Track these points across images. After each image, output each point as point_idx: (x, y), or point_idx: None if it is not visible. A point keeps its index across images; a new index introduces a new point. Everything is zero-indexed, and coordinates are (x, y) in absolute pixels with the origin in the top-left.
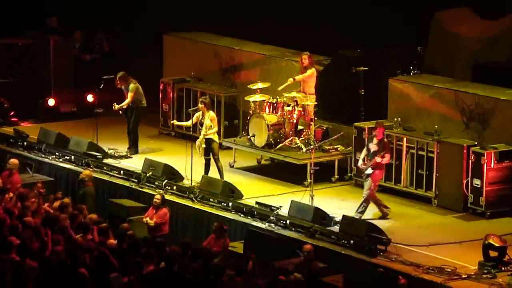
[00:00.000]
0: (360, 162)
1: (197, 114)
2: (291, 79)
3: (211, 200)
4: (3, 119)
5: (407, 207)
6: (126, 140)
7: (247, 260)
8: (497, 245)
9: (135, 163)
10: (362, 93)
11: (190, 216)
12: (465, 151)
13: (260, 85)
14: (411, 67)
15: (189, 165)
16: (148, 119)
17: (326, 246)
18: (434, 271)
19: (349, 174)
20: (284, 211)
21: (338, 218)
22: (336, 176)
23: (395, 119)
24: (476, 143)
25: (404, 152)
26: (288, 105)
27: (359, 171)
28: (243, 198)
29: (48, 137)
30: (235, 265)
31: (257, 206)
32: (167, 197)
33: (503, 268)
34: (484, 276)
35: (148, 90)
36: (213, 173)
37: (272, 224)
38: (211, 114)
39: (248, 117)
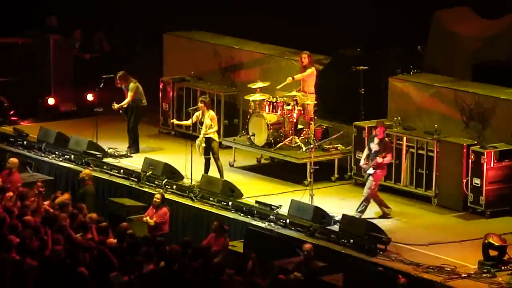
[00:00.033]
0: (362, 162)
1: (197, 113)
2: (290, 78)
3: (211, 199)
4: (3, 118)
5: (407, 206)
6: (126, 139)
7: (247, 259)
8: (497, 244)
9: (135, 162)
10: (362, 92)
11: (190, 215)
12: (465, 150)
13: (259, 84)
14: (411, 66)
15: (189, 164)
16: (148, 118)
17: (326, 245)
18: (433, 270)
19: (349, 173)
20: (284, 210)
21: (338, 217)
22: (336, 175)
23: (395, 118)
24: (476, 142)
25: (404, 151)
26: (288, 104)
27: (361, 170)
28: (243, 197)
29: (48, 136)
30: (234, 264)
31: (257, 205)
32: (167, 196)
33: (503, 267)
34: (484, 275)
35: (148, 89)
36: (213, 172)
37: (272, 223)
38: (211, 113)
39: (248, 116)
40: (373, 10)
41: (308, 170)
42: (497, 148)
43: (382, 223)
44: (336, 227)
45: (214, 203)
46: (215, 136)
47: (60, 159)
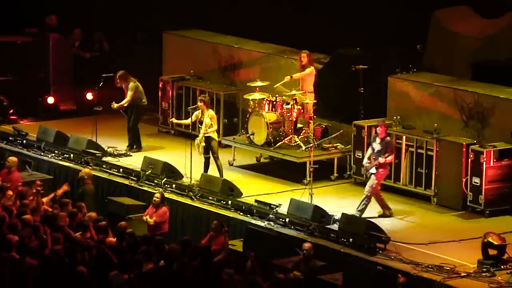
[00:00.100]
0: (365, 161)
1: (196, 113)
2: (288, 77)
3: (210, 198)
4: (2, 117)
5: (406, 205)
6: (126, 138)
7: (246, 259)
8: (496, 243)
9: (135, 161)
10: (362, 91)
11: (190, 214)
12: (464, 149)
13: (259, 83)
14: (411, 66)
15: (188, 163)
16: (148, 117)
17: (325, 244)
18: (433, 269)
19: (349, 172)
20: (283, 209)
21: (338, 216)
22: (336, 174)
23: (395, 117)
24: (475, 141)
25: (404, 151)
26: (288, 103)
27: (360, 169)
28: (242, 196)
29: (47, 135)
30: (234, 263)
31: (256, 204)
32: (166, 195)
33: (502, 266)
34: (483, 274)
35: (148, 88)
36: (213, 171)
37: (271, 222)
38: (211, 112)
39: (248, 115)
40: (372, 9)
41: (307, 169)
42: (497, 147)
43: (382, 222)
44: (335, 226)
45: (213, 202)
46: (214, 135)
47: (60, 158)
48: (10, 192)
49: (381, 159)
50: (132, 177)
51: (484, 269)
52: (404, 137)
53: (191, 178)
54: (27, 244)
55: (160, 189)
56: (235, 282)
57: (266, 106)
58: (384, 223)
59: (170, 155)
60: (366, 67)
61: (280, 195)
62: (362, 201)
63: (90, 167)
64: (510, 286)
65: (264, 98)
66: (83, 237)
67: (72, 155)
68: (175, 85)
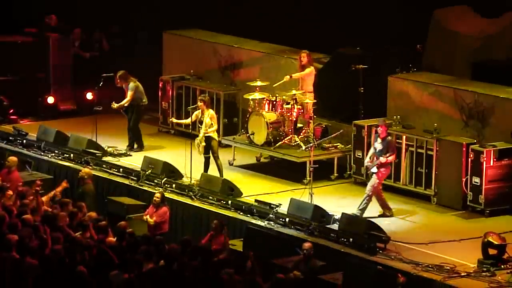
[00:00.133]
0: (366, 160)
1: (196, 112)
2: (287, 77)
3: (211, 198)
4: (2, 117)
5: (406, 205)
6: (126, 138)
7: (246, 258)
8: (496, 243)
9: (135, 161)
10: (362, 91)
11: (190, 214)
12: (464, 149)
13: (259, 83)
14: (411, 65)
15: (188, 163)
16: (148, 117)
17: (326, 244)
18: (433, 269)
19: (349, 172)
20: (283, 209)
21: (338, 216)
22: (336, 174)
23: (395, 117)
24: (475, 141)
25: (404, 150)
26: (288, 103)
27: (360, 169)
28: (242, 196)
29: (47, 135)
30: (234, 263)
31: (256, 204)
32: (166, 195)
33: (502, 266)
34: (483, 274)
35: (148, 88)
36: (213, 171)
37: (272, 222)
38: (211, 112)
39: (248, 115)
40: (372, 9)
41: (307, 168)
42: (497, 147)
43: (382, 222)
44: (335, 226)
45: (213, 202)
46: (214, 135)
47: (60, 157)
48: (10, 192)
49: (382, 159)
50: (132, 177)
51: (484, 269)
52: (404, 136)
53: (191, 177)
54: (27, 244)
55: (160, 189)
56: (235, 282)
57: (266, 106)
58: (384, 223)
59: (170, 155)
60: (366, 66)
61: (280, 195)
62: (363, 200)
63: (90, 167)
64: (510, 286)
65: (264, 98)
66: (83, 237)
67: (72, 155)
68: (175, 85)
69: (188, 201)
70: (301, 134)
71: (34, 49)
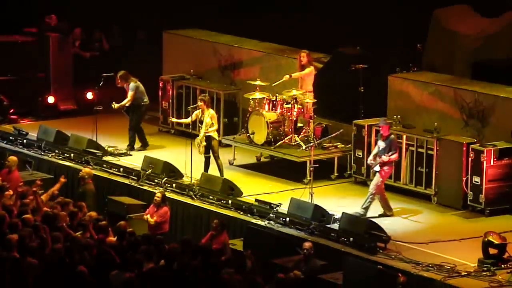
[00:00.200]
0: (370, 158)
1: (196, 112)
2: (287, 76)
3: (211, 197)
4: (2, 116)
5: (406, 204)
6: (126, 137)
7: (244, 258)
8: (496, 242)
9: (135, 161)
10: (362, 91)
11: (190, 214)
12: (464, 148)
13: (259, 81)
14: (411, 65)
15: (188, 163)
16: (148, 117)
17: (326, 244)
18: (433, 269)
19: (349, 172)
20: (283, 209)
21: (338, 215)
22: (336, 174)
23: (395, 116)
24: (475, 140)
25: (404, 150)
26: (288, 103)
27: (360, 169)
28: (242, 195)
29: (47, 134)
30: (234, 262)
31: (256, 203)
32: (166, 194)
33: (502, 266)
34: (484, 273)
35: (148, 88)
36: (213, 170)
37: (272, 222)
38: (211, 112)
39: (248, 115)
40: (372, 8)
41: (307, 168)
42: (497, 146)
43: (382, 222)
44: (335, 226)
45: (213, 201)
46: (215, 135)
47: (60, 157)
48: (10, 192)
49: (385, 157)
50: (132, 177)
51: (485, 268)
52: (404, 136)
53: (191, 177)
54: (27, 244)
55: (161, 188)
56: (235, 282)
57: (266, 105)
58: (385, 222)
59: (171, 154)
60: (366, 66)
61: (281, 195)
62: (367, 199)
63: (90, 167)
64: (511, 285)
65: (264, 98)
66: (83, 237)
67: (72, 154)
68: (175, 84)
69: (188, 200)
70: (301, 133)
71: (34, 49)
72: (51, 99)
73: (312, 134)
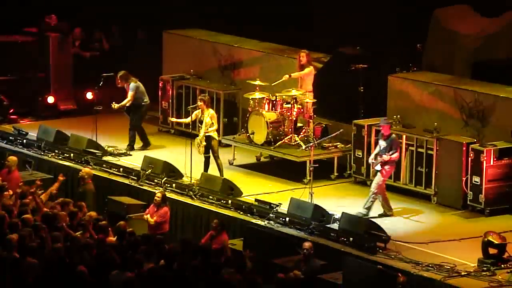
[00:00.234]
0: (371, 157)
1: (196, 112)
2: (286, 76)
3: (211, 197)
4: (2, 116)
5: (406, 204)
6: (126, 137)
7: (245, 258)
8: (496, 242)
9: (135, 161)
10: (362, 91)
11: (190, 214)
12: (464, 148)
13: (258, 82)
14: (411, 65)
15: (188, 163)
16: (148, 117)
17: (326, 244)
18: (433, 268)
19: (348, 172)
20: (283, 209)
21: (338, 215)
22: (335, 174)
23: (395, 116)
24: (475, 140)
25: (404, 149)
26: (287, 103)
27: (360, 168)
28: (242, 195)
29: (47, 134)
30: (234, 262)
31: (256, 203)
32: (166, 194)
33: (502, 266)
34: (484, 273)
35: (148, 88)
36: (213, 170)
37: (272, 222)
38: (211, 111)
39: (248, 115)
40: (372, 8)
41: (307, 168)
42: (497, 146)
43: (382, 221)
44: (335, 225)
45: (213, 201)
46: (215, 135)
47: (60, 157)
48: (10, 192)
49: (385, 156)
50: (132, 177)
51: (485, 268)
52: (404, 136)
53: (191, 177)
54: (27, 244)
55: (161, 188)
56: (235, 282)
57: (266, 105)
58: (384, 222)
59: (170, 154)
60: (366, 66)
61: (280, 194)
62: (369, 198)
63: (90, 167)
64: (511, 285)
65: (264, 98)
66: (83, 237)
67: (72, 154)
68: (175, 84)
69: (188, 200)
70: (301, 133)
71: (34, 49)
72: (51, 99)
73: (312, 134)
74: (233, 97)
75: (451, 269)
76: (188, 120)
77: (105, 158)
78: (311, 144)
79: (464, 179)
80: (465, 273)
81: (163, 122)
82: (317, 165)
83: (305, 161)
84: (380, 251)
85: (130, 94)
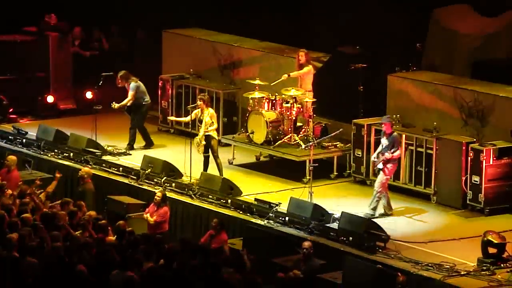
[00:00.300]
0: (373, 156)
1: (195, 111)
2: (285, 75)
3: (210, 197)
4: (2, 116)
5: (406, 203)
6: (125, 137)
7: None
8: (496, 242)
9: (134, 160)
10: (361, 90)
11: (189, 213)
12: (464, 147)
13: (258, 81)
14: (410, 64)
15: (188, 162)
16: (147, 116)
17: (325, 243)
18: (433, 268)
19: (348, 171)
20: (283, 208)
21: (337, 214)
22: (335, 173)
23: (394, 116)
24: (475, 139)
25: (403, 149)
26: (287, 102)
27: (360, 168)
28: (242, 195)
29: (47, 134)
30: (234, 262)
31: (256, 203)
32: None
33: (502, 265)
34: (483, 272)
35: (147, 87)
36: (212, 170)
37: (271, 221)
38: (211, 111)
39: (247, 114)
40: (372, 7)
41: (307, 167)
42: (496, 146)
43: (381, 221)
44: (335, 225)
45: (213, 200)
46: (214, 134)
47: (59, 156)
48: (10, 191)
49: (387, 154)
50: (132, 176)
51: (484, 268)
52: (403, 135)
53: (190, 176)
54: (27, 243)
55: (161, 188)
56: (235, 281)
57: (266, 104)
58: (384, 222)
59: (170, 153)
60: (365, 65)
61: (280, 194)
62: (374, 198)
63: (90, 166)
64: (510, 285)
65: (263, 97)
66: (82, 236)
67: (71, 154)
68: (174, 83)
69: (187, 200)
70: (301, 133)
71: (33, 48)
72: (50, 99)
73: (312, 133)
74: (233, 96)
75: (450, 269)
76: (187, 119)
77: (104, 157)
78: (310, 143)
79: (463, 178)
80: (465, 272)
81: (163, 122)
82: (316, 164)
83: (305, 161)
84: (380, 250)
85: (130, 93)
